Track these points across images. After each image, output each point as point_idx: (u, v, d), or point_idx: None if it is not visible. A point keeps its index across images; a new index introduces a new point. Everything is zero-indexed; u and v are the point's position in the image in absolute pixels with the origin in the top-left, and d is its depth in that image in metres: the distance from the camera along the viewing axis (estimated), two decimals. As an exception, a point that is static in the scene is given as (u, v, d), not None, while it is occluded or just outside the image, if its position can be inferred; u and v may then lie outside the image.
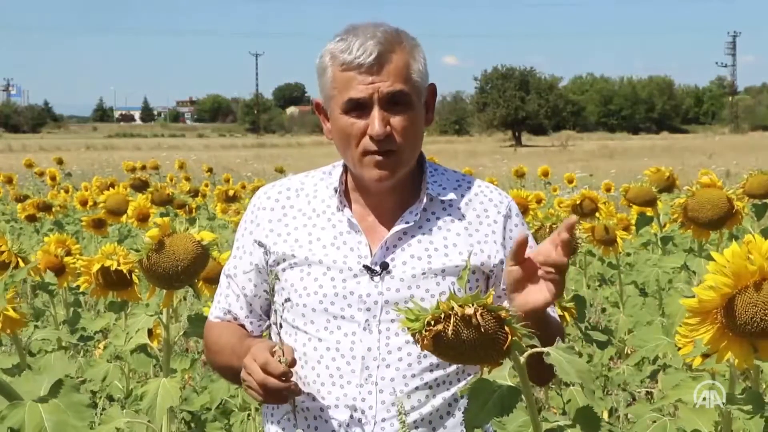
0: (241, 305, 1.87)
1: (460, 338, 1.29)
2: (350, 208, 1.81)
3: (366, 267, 1.73)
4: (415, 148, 1.77)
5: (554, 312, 1.86)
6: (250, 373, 1.61)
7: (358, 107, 1.70)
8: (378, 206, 1.81)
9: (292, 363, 1.61)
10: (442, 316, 1.30)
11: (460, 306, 1.29)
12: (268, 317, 1.88)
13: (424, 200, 1.79)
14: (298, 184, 1.88)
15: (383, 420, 1.71)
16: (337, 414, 1.72)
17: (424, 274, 1.74)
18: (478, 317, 1.29)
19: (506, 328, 1.31)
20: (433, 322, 1.30)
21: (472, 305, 1.29)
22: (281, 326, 1.67)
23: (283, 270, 1.79)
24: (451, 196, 1.82)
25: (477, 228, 1.80)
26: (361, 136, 1.71)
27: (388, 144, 1.71)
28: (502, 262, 1.80)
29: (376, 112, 1.69)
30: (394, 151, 1.71)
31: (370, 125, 1.69)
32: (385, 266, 1.73)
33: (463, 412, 1.74)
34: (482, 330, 1.29)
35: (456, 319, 1.29)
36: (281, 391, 1.60)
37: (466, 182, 1.87)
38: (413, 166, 1.82)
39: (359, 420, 1.71)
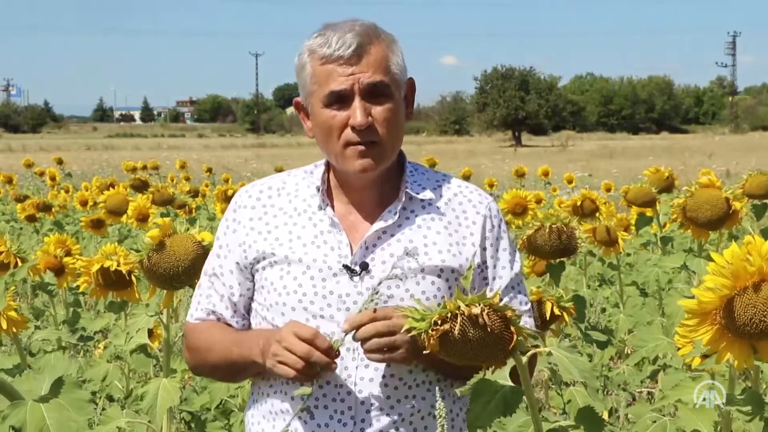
0: (226, 305, 1.85)
1: (466, 338, 1.29)
2: (332, 207, 1.81)
3: (345, 267, 1.73)
4: (397, 140, 1.77)
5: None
6: (288, 346, 1.60)
7: (339, 99, 1.71)
8: (359, 203, 1.81)
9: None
10: (449, 315, 1.30)
11: (467, 305, 1.29)
12: (249, 315, 1.87)
13: (403, 199, 1.79)
14: (280, 183, 1.87)
15: (363, 420, 1.71)
16: (317, 414, 1.72)
17: (404, 273, 1.73)
18: (485, 317, 1.29)
19: (512, 327, 1.32)
20: (439, 322, 1.30)
21: (479, 305, 1.30)
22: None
23: (263, 268, 1.78)
24: (431, 195, 1.82)
25: (456, 228, 1.80)
26: (342, 128, 1.72)
27: (370, 135, 1.71)
28: (478, 265, 1.80)
29: (357, 103, 1.70)
30: (376, 142, 1.72)
31: (351, 116, 1.70)
32: (365, 266, 1.73)
33: (465, 413, 1.75)
34: (488, 329, 1.29)
35: (463, 318, 1.29)
36: (317, 366, 1.60)
37: (446, 182, 1.87)
38: (394, 165, 1.82)
39: (339, 420, 1.71)
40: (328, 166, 1.84)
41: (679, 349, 1.82)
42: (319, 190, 1.80)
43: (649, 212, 4.44)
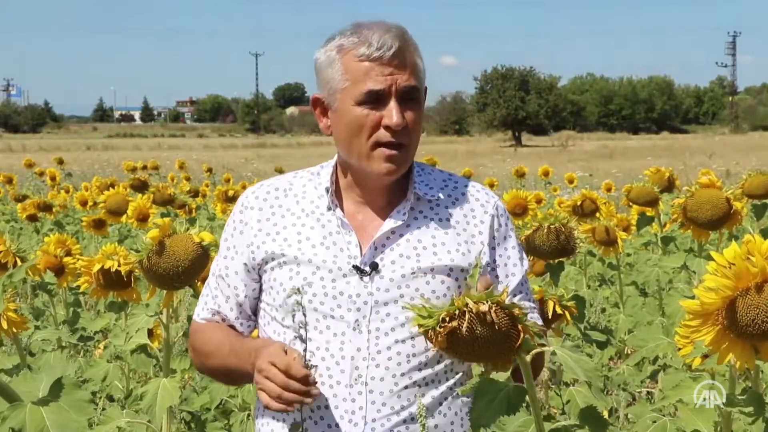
0: (231, 306, 1.86)
1: (474, 335, 1.29)
2: (341, 208, 1.81)
3: (355, 267, 1.74)
4: (417, 145, 1.79)
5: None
6: (268, 376, 1.59)
7: (375, 99, 1.71)
8: (368, 203, 1.81)
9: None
10: (457, 312, 1.30)
11: (475, 303, 1.29)
12: (256, 317, 1.88)
13: (412, 199, 1.80)
14: (286, 184, 1.88)
15: (374, 420, 1.71)
16: (328, 414, 1.72)
17: (413, 273, 1.74)
18: (493, 314, 1.29)
19: (518, 325, 1.32)
20: (447, 319, 1.30)
21: (487, 302, 1.30)
22: (306, 326, 1.62)
23: (272, 269, 1.79)
24: (439, 195, 1.83)
25: (464, 228, 1.81)
26: (374, 128, 1.72)
27: (403, 136, 1.72)
28: (488, 264, 1.81)
29: (393, 104, 1.70)
30: (405, 145, 1.73)
31: (386, 116, 1.70)
32: (375, 266, 1.74)
33: (468, 412, 1.76)
34: (496, 327, 1.29)
35: (471, 315, 1.29)
36: (299, 395, 1.58)
37: (453, 182, 1.88)
38: None
39: (350, 420, 1.71)
40: (336, 167, 1.84)
41: (679, 349, 1.82)
42: (328, 191, 1.81)
43: (650, 212, 4.44)
